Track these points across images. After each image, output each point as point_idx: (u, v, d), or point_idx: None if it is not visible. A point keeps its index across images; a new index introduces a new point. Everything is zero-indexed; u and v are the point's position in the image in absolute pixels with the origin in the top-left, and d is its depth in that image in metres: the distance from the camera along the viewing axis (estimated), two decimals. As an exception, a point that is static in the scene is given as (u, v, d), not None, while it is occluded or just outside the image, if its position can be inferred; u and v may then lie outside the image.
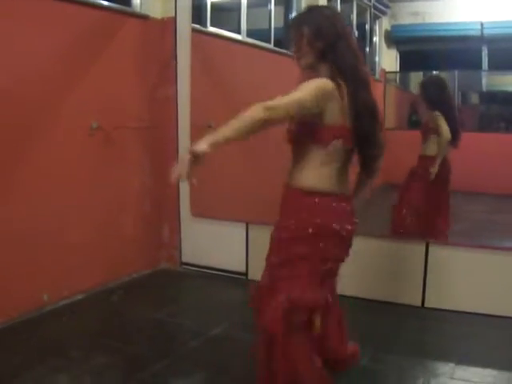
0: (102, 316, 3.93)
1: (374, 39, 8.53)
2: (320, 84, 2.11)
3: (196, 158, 1.91)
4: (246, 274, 4.64)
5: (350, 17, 7.79)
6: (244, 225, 4.60)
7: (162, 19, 4.73)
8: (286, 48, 6.50)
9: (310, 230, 2.20)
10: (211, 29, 5.24)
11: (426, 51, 8.53)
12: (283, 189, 2.38)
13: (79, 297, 4.16)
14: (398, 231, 4.75)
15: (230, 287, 4.52)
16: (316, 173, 2.20)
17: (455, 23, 7.88)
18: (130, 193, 4.64)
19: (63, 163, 4.01)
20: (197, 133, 4.77)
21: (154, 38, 4.68)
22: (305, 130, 2.19)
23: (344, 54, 2.18)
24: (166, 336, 3.62)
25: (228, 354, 3.33)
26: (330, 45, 2.18)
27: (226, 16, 6.25)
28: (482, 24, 7.93)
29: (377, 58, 8.58)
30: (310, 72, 2.25)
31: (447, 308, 3.93)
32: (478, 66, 8.12)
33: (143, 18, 4.64)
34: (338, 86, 2.13)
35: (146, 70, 4.66)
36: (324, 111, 2.10)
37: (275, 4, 6.52)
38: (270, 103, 2.01)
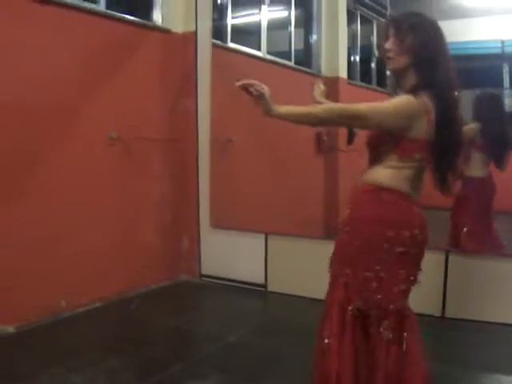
0: (118, 322, 3.95)
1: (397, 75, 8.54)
2: (407, 106, 2.07)
3: (262, 99, 2.11)
4: (265, 285, 4.61)
5: (369, 38, 7.84)
6: (263, 235, 4.59)
7: (184, 33, 4.82)
8: (307, 67, 6.60)
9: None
10: (232, 45, 5.33)
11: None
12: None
13: (97, 304, 4.18)
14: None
15: (248, 298, 4.52)
16: (391, 172, 2.15)
17: (476, 41, 7.87)
18: (150, 204, 4.67)
19: (82, 171, 4.09)
20: (218, 147, 4.86)
21: (175, 51, 4.77)
22: (387, 140, 2.13)
23: (440, 73, 2.10)
24: (182, 341, 3.62)
25: (243, 358, 3.34)
26: (429, 61, 2.10)
27: (250, 38, 6.32)
28: (502, 42, 7.92)
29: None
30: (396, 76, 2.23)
31: (468, 318, 3.85)
32: (499, 84, 8.07)
33: (165, 31, 4.74)
34: (426, 106, 2.07)
35: (167, 83, 4.74)
36: (409, 128, 2.06)
37: (296, 26, 6.63)
38: (355, 109, 2.06)
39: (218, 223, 4.77)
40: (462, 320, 3.87)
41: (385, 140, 2.12)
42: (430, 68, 2.10)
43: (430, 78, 2.09)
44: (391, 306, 2.10)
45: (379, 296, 2.11)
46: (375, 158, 2.19)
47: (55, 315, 3.87)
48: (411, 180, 2.14)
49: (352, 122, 2.20)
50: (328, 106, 2.13)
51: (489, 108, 4.46)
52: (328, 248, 4.26)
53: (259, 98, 2.10)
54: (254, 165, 5.42)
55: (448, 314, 3.93)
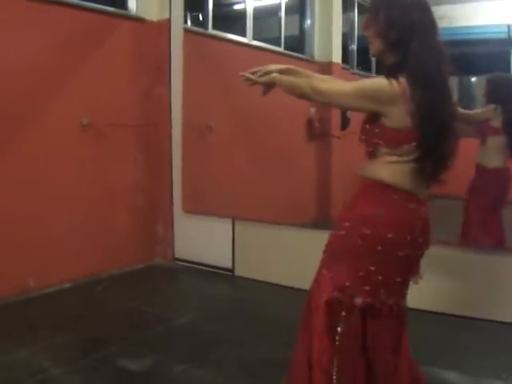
0: (79, 303, 4.07)
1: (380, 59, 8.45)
2: (370, 86, 2.02)
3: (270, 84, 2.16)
4: (232, 270, 4.69)
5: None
6: (230, 220, 4.66)
7: (158, 21, 4.89)
8: (301, 52, 6.61)
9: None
10: (214, 32, 5.38)
11: (452, 55, 8.36)
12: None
13: (66, 285, 4.33)
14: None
15: (215, 282, 4.62)
16: (392, 168, 2.07)
17: (482, 26, 7.71)
18: (123, 188, 4.79)
19: (53, 157, 4.23)
20: (195, 132, 4.94)
21: (149, 39, 4.85)
22: (376, 131, 2.06)
23: (414, 52, 1.96)
24: (132, 322, 3.72)
25: (183, 341, 3.44)
26: (400, 39, 1.98)
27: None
28: (509, 26, 7.74)
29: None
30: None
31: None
32: (507, 69, 7.89)
33: (139, 20, 4.83)
34: (403, 88, 1.94)
35: (140, 70, 4.83)
36: (386, 115, 1.99)
37: (291, 13, 6.64)
38: (319, 86, 2.07)
39: (190, 208, 4.85)
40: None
41: (373, 132, 2.07)
42: (401, 49, 1.99)
43: (402, 59, 1.99)
44: (384, 308, 2.07)
45: (368, 300, 2.04)
46: (371, 152, 2.12)
47: (22, 294, 4.02)
48: (411, 175, 2.03)
49: (342, 105, 2.27)
50: (317, 86, 2.07)
51: (502, 91, 4.30)
52: (295, 235, 4.38)
53: (268, 85, 2.16)
54: (235, 151, 5.48)
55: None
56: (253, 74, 2.17)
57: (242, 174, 5.47)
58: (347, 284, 2.05)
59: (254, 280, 4.53)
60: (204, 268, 4.82)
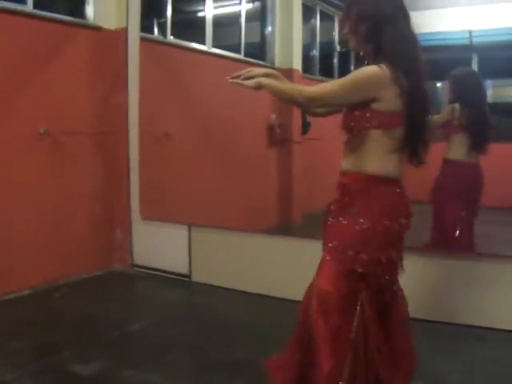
0: (38, 309, 4.10)
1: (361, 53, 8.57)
2: (366, 74, 2.07)
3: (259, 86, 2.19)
4: (189, 276, 4.76)
5: (331, 33, 7.91)
6: (186, 227, 4.73)
7: (116, 30, 4.95)
8: (262, 59, 6.71)
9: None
10: (172, 39, 5.46)
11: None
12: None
13: (26, 292, 4.36)
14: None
15: (172, 288, 4.68)
16: (385, 159, 2.14)
17: (444, 32, 7.88)
18: (81, 196, 4.83)
19: (10, 164, 4.26)
20: (153, 140, 5.00)
21: (107, 47, 4.91)
22: (367, 116, 2.10)
23: (389, 39, 2.08)
24: (88, 328, 3.76)
25: (135, 346, 3.49)
26: (373, 29, 2.10)
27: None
28: (470, 32, 7.92)
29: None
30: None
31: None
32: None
33: (96, 29, 4.87)
34: (393, 73, 2.05)
35: (99, 79, 4.88)
36: (379, 99, 2.06)
37: (253, 20, 6.73)
38: (310, 93, 2.11)
39: (148, 215, 4.91)
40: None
41: (364, 117, 2.10)
42: (374, 40, 2.11)
43: (376, 49, 2.11)
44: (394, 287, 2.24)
45: (387, 277, 2.16)
46: (357, 142, 2.15)
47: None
48: (399, 163, 2.16)
49: (339, 102, 2.21)
50: (308, 93, 2.13)
51: (468, 86, 4.25)
52: (250, 240, 4.46)
53: (256, 87, 2.18)
54: (194, 158, 5.54)
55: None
56: (237, 77, 2.21)
57: (200, 180, 5.54)
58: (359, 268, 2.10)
59: (211, 285, 4.61)
60: (162, 274, 4.88)
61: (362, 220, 2.11)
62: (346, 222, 2.16)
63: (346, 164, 2.21)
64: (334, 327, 2.07)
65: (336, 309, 2.09)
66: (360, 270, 2.08)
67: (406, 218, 2.18)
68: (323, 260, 2.19)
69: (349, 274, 2.09)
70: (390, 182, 2.15)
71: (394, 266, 2.20)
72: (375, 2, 2.12)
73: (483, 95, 4.40)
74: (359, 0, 2.16)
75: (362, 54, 2.21)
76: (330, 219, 2.24)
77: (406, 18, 2.15)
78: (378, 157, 2.13)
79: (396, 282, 2.26)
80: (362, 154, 2.15)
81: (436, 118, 4.30)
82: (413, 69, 2.10)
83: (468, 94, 4.19)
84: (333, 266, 2.13)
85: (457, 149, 4.22)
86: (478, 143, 4.14)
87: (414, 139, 2.15)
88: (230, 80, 2.22)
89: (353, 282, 2.10)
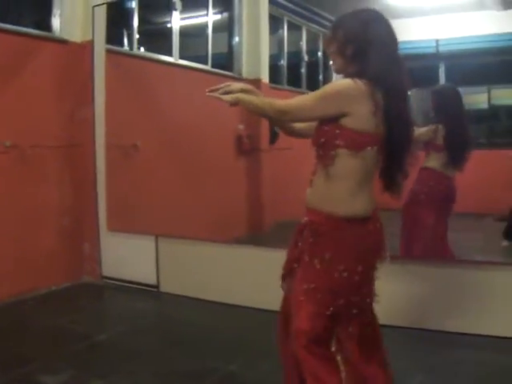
0: (7, 322, 4.10)
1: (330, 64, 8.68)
2: (337, 87, 2.05)
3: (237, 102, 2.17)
4: (157, 286, 4.79)
5: (299, 44, 7.99)
6: (153, 238, 4.77)
7: (82, 43, 4.97)
8: (230, 70, 6.77)
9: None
10: (140, 52, 5.51)
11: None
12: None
13: (-6, 305, 4.37)
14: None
15: (141, 299, 4.70)
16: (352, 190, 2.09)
17: (411, 42, 7.99)
18: (49, 209, 4.84)
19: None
20: (121, 152, 5.03)
21: (73, 60, 4.93)
22: (336, 132, 2.06)
23: (374, 61, 2.04)
24: (57, 340, 3.78)
25: (102, 356, 3.52)
26: (356, 52, 2.09)
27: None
28: (437, 41, 8.06)
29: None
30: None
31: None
32: (436, 83, 8.21)
33: (62, 42, 4.90)
34: (367, 88, 2.01)
35: (65, 92, 4.90)
36: (350, 114, 2.01)
37: (221, 31, 6.79)
38: (280, 106, 2.10)
39: (115, 227, 4.94)
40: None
41: (334, 133, 2.06)
42: (359, 62, 2.08)
43: (361, 71, 2.06)
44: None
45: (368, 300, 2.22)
46: (326, 161, 2.10)
47: None
48: (371, 192, 2.12)
49: (310, 116, 2.16)
50: (281, 106, 2.11)
51: (450, 105, 4.20)
52: (217, 250, 4.51)
53: (233, 103, 2.16)
54: (162, 169, 5.58)
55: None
56: (215, 90, 2.20)
57: (169, 191, 5.57)
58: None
59: (179, 296, 4.63)
60: (130, 285, 4.90)
61: (340, 267, 2.09)
62: (322, 267, 2.11)
63: (313, 196, 2.18)
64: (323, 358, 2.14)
65: (317, 346, 2.13)
66: (335, 311, 2.12)
67: (380, 256, 2.18)
68: (298, 301, 2.17)
69: (324, 314, 2.12)
70: (363, 221, 2.10)
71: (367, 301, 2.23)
72: (363, 24, 2.10)
73: (465, 112, 4.35)
74: (347, 21, 2.15)
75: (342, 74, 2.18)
76: (306, 257, 2.17)
77: (393, 43, 2.14)
78: (349, 192, 2.07)
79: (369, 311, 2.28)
80: (330, 187, 2.10)
81: (418, 135, 4.42)
82: (396, 91, 2.08)
83: (449, 111, 4.17)
84: (309, 308, 2.12)
85: (435, 161, 4.21)
86: (458, 162, 4.15)
87: (392, 166, 2.12)
88: (208, 94, 2.19)
89: (328, 321, 2.12)
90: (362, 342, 2.20)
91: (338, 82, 2.08)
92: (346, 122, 2.02)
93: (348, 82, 2.03)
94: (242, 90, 2.20)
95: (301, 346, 2.13)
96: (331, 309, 2.10)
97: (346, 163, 2.05)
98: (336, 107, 2.02)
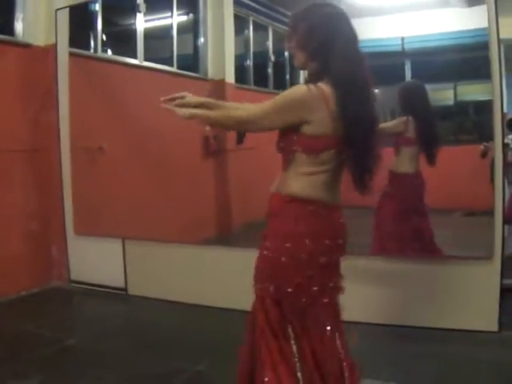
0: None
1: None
2: (288, 97, 2.04)
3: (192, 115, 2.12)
4: (125, 289, 4.81)
5: (265, 44, 8.01)
6: (120, 240, 4.78)
7: (45, 46, 4.96)
8: (195, 71, 6.78)
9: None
10: (104, 55, 5.49)
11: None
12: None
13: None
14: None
15: (109, 302, 4.72)
16: (305, 180, 2.08)
17: (376, 40, 8.05)
18: (15, 213, 4.82)
19: None
20: (87, 155, 5.01)
21: (37, 64, 4.91)
22: (294, 138, 2.05)
23: (338, 57, 2.01)
24: (25, 345, 3.78)
25: (71, 360, 3.55)
26: (320, 47, 2.04)
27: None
28: (402, 39, 8.14)
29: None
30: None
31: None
32: (402, 80, 8.29)
33: (26, 46, 4.88)
34: (323, 92, 1.99)
35: (29, 96, 4.88)
36: (309, 122, 2.00)
37: (186, 32, 6.80)
38: (236, 117, 2.10)
39: (82, 230, 4.94)
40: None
41: (292, 139, 2.05)
42: (322, 57, 2.05)
43: (323, 66, 2.05)
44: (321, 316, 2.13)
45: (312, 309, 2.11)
46: (289, 160, 2.11)
47: None
48: (329, 185, 2.09)
49: (268, 125, 2.09)
50: (237, 116, 2.10)
51: (416, 99, 4.26)
52: (185, 251, 4.53)
53: (188, 117, 2.10)
54: (129, 171, 5.56)
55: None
56: (172, 100, 2.14)
57: (135, 194, 5.55)
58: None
59: (148, 298, 4.66)
60: (99, 289, 4.91)
61: (267, 244, 2.13)
62: (260, 249, 2.16)
63: (273, 185, 2.19)
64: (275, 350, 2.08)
65: (271, 333, 2.09)
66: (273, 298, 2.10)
67: (334, 240, 2.12)
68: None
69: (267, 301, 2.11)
70: (309, 202, 2.08)
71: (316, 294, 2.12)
72: (326, 18, 2.08)
73: (430, 107, 4.43)
74: (309, 15, 2.10)
75: (308, 74, 2.15)
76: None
77: (356, 38, 2.11)
78: (300, 177, 2.08)
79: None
80: (287, 176, 2.12)
81: (386, 127, 4.32)
82: (359, 88, 2.05)
83: (416, 106, 4.21)
84: (258, 294, 2.15)
85: (406, 162, 4.23)
86: (431, 156, 4.14)
87: (356, 166, 2.10)
88: (163, 104, 2.14)
89: (274, 307, 2.09)
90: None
91: (293, 90, 2.04)
92: (304, 128, 2.02)
93: (302, 89, 2.01)
94: (198, 105, 2.14)
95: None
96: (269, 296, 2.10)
97: (303, 163, 2.07)
98: (295, 116, 2.01)
